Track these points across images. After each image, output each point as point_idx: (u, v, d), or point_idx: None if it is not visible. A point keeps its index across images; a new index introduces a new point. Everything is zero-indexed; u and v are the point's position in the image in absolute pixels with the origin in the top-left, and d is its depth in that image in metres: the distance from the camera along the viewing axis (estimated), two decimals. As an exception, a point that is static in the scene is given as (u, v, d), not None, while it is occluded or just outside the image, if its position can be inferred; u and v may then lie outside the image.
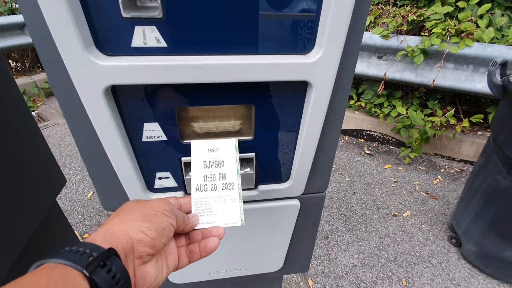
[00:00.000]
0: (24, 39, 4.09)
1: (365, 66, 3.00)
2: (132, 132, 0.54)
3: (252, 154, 0.61)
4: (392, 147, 3.22)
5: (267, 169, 0.64)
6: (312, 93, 0.52)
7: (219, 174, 0.54)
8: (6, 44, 3.84)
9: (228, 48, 0.47)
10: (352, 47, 0.51)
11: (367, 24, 3.03)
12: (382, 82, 2.88)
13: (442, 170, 2.90)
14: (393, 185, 2.67)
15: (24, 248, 0.97)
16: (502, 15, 2.58)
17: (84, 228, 2.14)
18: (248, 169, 0.63)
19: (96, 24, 0.43)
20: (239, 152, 0.58)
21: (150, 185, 0.62)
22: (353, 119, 3.36)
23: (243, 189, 0.65)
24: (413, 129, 2.90)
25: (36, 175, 1.19)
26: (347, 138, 3.38)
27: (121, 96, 0.50)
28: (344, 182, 2.69)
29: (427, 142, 2.94)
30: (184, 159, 0.59)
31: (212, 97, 0.52)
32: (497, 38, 2.57)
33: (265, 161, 0.63)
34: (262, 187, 0.66)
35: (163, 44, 0.46)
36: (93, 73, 0.44)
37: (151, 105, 0.52)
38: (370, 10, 3.15)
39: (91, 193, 2.48)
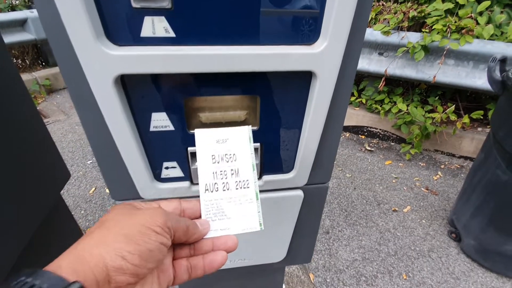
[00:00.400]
0: (24, 36, 4.10)
1: (366, 63, 3.00)
2: (140, 122, 0.55)
3: (257, 145, 0.62)
4: (393, 144, 3.23)
5: (272, 160, 0.65)
6: (316, 84, 0.53)
7: (231, 170, 0.47)
8: (7, 41, 3.84)
9: (235, 38, 0.48)
10: (356, 39, 0.52)
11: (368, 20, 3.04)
12: (383, 79, 2.89)
13: (442, 166, 2.91)
14: (393, 181, 2.69)
15: (28, 243, 0.98)
16: (501, 12, 2.59)
17: (87, 223, 2.16)
18: (253, 160, 0.64)
19: (107, 15, 0.44)
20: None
21: (157, 175, 0.63)
22: (354, 116, 3.37)
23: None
24: (414, 126, 2.92)
25: (41, 169, 1.20)
26: (347, 135, 3.39)
27: (130, 86, 0.51)
28: (344, 178, 2.70)
29: (427, 138, 2.95)
30: (190, 149, 0.60)
31: (219, 88, 0.54)
32: (496, 35, 2.58)
33: (270, 152, 0.64)
34: (266, 177, 0.67)
35: (172, 34, 0.47)
36: (103, 62, 0.45)
37: (159, 95, 0.53)
38: (371, 6, 3.15)
39: (93, 188, 2.50)
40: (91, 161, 2.89)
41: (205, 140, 0.48)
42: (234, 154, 0.48)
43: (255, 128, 0.60)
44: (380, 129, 3.31)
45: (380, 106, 3.15)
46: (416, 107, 2.92)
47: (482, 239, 1.78)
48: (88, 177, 2.65)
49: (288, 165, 0.67)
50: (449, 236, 2.08)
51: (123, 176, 0.61)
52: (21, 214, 0.98)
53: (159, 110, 0.54)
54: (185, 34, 0.47)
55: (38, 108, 3.98)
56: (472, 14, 2.59)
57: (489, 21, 2.58)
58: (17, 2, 4.47)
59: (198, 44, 0.48)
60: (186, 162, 0.62)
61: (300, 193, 0.71)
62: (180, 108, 0.55)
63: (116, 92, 0.48)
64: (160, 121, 0.56)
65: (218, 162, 0.47)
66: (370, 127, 3.35)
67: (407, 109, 2.89)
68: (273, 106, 0.57)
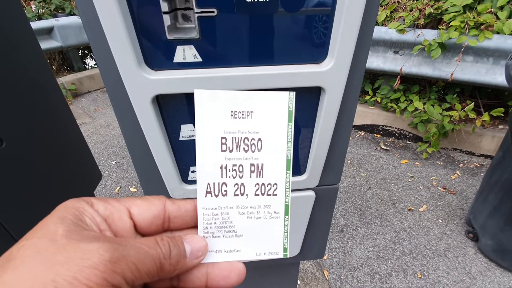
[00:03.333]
0: (51, 43, 4.36)
1: (381, 61, 2.99)
2: (171, 132, 0.64)
3: (273, 150, 0.69)
4: (409, 142, 3.20)
5: (286, 164, 0.73)
6: (325, 97, 0.59)
7: (252, 165, 0.32)
8: (37, 49, 4.11)
9: (253, 60, 0.56)
10: (360, 57, 0.58)
11: (383, 18, 3.02)
12: (398, 77, 2.87)
13: (461, 165, 2.87)
14: (409, 180, 2.68)
15: None
16: (525, 5, 2.51)
17: (114, 220, 2.31)
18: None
19: (146, 46, 0.52)
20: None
21: (185, 178, 0.72)
22: (368, 114, 3.37)
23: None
24: (431, 124, 2.88)
25: (77, 170, 1.33)
26: (362, 134, 3.39)
27: (163, 103, 0.59)
28: (359, 177, 2.72)
29: (445, 136, 2.91)
30: (213, 155, 0.69)
31: (239, 102, 0.61)
32: (519, 29, 2.50)
33: (284, 157, 0.71)
34: (281, 180, 0.74)
35: (199, 59, 0.55)
36: (143, 85, 0.54)
37: (187, 110, 0.61)
38: (386, 4, 3.13)
39: (119, 187, 2.66)
40: (115, 161, 3.07)
41: (212, 109, 0.31)
42: (259, 140, 0.31)
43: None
44: (396, 128, 3.29)
45: (396, 104, 3.13)
46: (433, 105, 2.88)
47: (500, 239, 1.77)
48: (113, 177, 2.82)
49: (301, 168, 0.74)
50: (467, 236, 2.07)
51: (156, 178, 0.71)
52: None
53: (187, 122, 0.63)
54: (210, 59, 0.55)
55: (65, 111, 4.23)
56: (492, 9, 2.53)
57: (510, 16, 2.51)
58: (42, 11, 4.74)
59: (222, 66, 0.56)
60: (210, 166, 0.71)
61: (312, 193, 0.78)
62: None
63: (153, 109, 0.57)
64: (188, 131, 0.64)
65: (231, 150, 0.31)
66: (386, 126, 3.33)
67: (424, 108, 2.86)
68: (286, 116, 0.65)
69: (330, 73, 0.56)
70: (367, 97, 3.39)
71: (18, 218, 0.92)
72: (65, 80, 4.58)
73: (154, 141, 0.62)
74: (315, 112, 0.64)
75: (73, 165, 1.30)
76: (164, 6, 0.49)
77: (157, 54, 0.53)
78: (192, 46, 0.53)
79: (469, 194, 2.49)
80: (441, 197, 2.47)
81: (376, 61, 3.01)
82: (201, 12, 0.50)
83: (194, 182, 0.73)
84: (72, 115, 1.39)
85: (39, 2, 4.71)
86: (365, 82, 3.50)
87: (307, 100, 0.62)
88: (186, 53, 0.54)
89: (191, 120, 0.63)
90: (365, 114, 3.37)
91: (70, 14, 4.69)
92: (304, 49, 0.56)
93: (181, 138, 0.65)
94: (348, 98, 0.62)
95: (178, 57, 0.54)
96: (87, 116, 4.09)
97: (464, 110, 2.74)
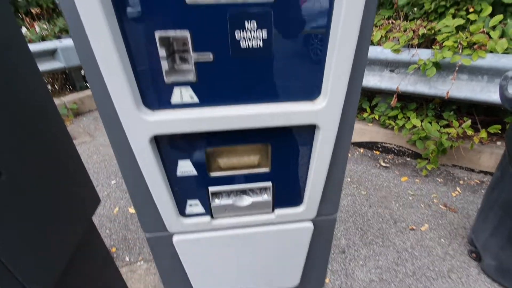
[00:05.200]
0: (54, 64, 4.45)
1: (377, 80, 3.04)
2: (169, 168, 0.64)
3: (269, 183, 0.70)
4: (408, 159, 3.21)
5: (283, 196, 0.73)
6: (320, 133, 0.61)
7: None
8: (40, 69, 4.19)
9: (248, 99, 0.57)
10: (353, 94, 0.60)
11: (378, 38, 3.09)
12: (395, 95, 2.91)
13: (461, 182, 2.86)
14: (410, 198, 2.66)
15: (62, 272, 1.08)
16: (516, 25, 2.58)
17: (112, 242, 2.28)
18: (265, 196, 0.72)
19: (145, 89, 0.54)
20: (257, 182, 0.67)
21: (182, 211, 0.72)
22: (367, 132, 3.39)
23: (261, 213, 0.73)
24: (429, 141, 2.90)
25: (74, 196, 1.33)
26: (362, 151, 3.40)
27: (161, 141, 0.60)
28: (360, 196, 2.71)
29: (444, 153, 2.92)
30: (210, 188, 0.69)
31: (235, 139, 0.62)
32: (511, 49, 2.56)
33: (281, 189, 0.72)
34: (278, 211, 0.74)
35: (196, 100, 0.56)
36: (142, 126, 0.55)
37: (184, 147, 0.62)
38: (381, 25, 3.21)
39: (117, 208, 2.64)
40: (114, 181, 3.06)
41: None
42: None
43: (267, 169, 0.68)
44: (394, 145, 3.30)
45: (394, 121, 3.16)
46: (431, 123, 2.90)
47: (502, 259, 1.74)
48: (112, 197, 2.80)
49: (297, 200, 0.74)
50: (469, 256, 2.04)
51: (154, 212, 0.71)
52: (55, 242, 1.09)
53: (185, 158, 0.64)
54: (207, 99, 0.56)
55: (66, 130, 4.25)
56: (485, 29, 2.60)
57: (502, 35, 2.58)
58: (46, 33, 4.86)
59: (217, 105, 0.57)
60: (207, 200, 0.71)
61: (310, 224, 0.78)
62: (202, 157, 0.64)
63: (151, 148, 0.58)
64: (185, 167, 0.65)
65: None
66: (385, 143, 3.34)
67: (422, 125, 2.88)
68: (283, 151, 0.65)
69: (324, 111, 0.58)
70: (365, 114, 3.43)
71: (16, 254, 0.91)
72: (67, 99, 4.64)
73: (152, 177, 0.63)
74: (310, 146, 0.65)
75: (72, 194, 1.29)
76: (162, 52, 0.51)
77: (155, 96, 0.55)
78: (189, 88, 0.55)
79: (470, 212, 2.47)
80: (442, 215, 2.45)
81: (372, 79, 3.06)
82: (198, 57, 0.52)
83: (191, 215, 0.73)
84: (73, 142, 1.39)
85: (43, 23, 4.84)
86: (363, 100, 3.54)
87: (302, 135, 0.63)
88: (183, 94, 0.55)
89: (189, 156, 0.64)
90: (363, 131, 3.40)
91: (74, 35, 4.80)
92: (297, 87, 0.58)
93: (178, 174, 0.66)
94: (343, 133, 0.63)
95: (175, 98, 0.56)
96: (88, 135, 4.11)
97: (461, 127, 2.76)
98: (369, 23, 0.52)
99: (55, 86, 4.96)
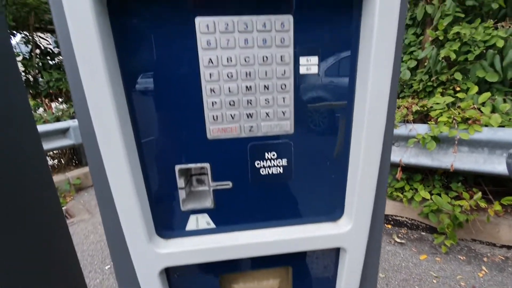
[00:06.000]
0: (65, 142, 4.61)
1: (379, 153, 3.09)
2: (178, 299, 0.57)
3: (291, 310, 0.61)
4: (424, 233, 3.02)
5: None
6: (346, 257, 0.55)
7: None
8: (50, 146, 4.33)
9: (266, 223, 0.54)
10: (378, 211, 0.57)
11: (374, 114, 3.26)
12: (399, 168, 2.91)
13: (484, 259, 2.62)
14: (434, 280, 2.41)
15: None
16: (504, 100, 2.74)
17: None
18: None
19: (159, 218, 0.51)
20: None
21: None
22: (375, 204, 3.28)
23: None
24: (442, 214, 2.77)
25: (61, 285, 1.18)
26: (372, 225, 3.23)
27: (172, 271, 0.55)
28: (378, 279, 2.45)
29: (460, 227, 2.76)
30: (224, 318, 0.60)
31: (253, 264, 0.57)
32: (505, 121, 2.66)
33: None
34: None
35: (212, 226, 0.53)
36: (153, 259, 0.50)
37: (197, 274, 0.56)
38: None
39: (109, 301, 2.37)
40: (109, 266, 2.82)
41: None
42: None
43: (288, 294, 0.61)
44: (406, 218, 3.15)
45: (402, 193, 3.08)
46: (440, 194, 2.83)
47: None
48: (104, 286, 2.54)
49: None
50: None
51: None
52: None
53: (198, 287, 0.57)
54: (224, 224, 0.53)
55: (65, 207, 4.15)
56: (475, 105, 2.75)
57: (493, 110, 2.71)
58: (60, 113, 5.17)
59: (236, 230, 0.53)
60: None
61: None
62: (216, 283, 0.57)
63: (160, 281, 0.52)
64: (197, 297, 0.58)
65: None
66: (395, 216, 3.20)
67: (431, 198, 2.80)
68: (305, 274, 0.59)
69: (350, 233, 0.54)
70: (371, 186, 3.37)
71: None
72: (71, 175, 4.65)
73: (159, 313, 0.55)
74: (335, 268, 0.59)
75: (57, 281, 1.15)
76: (181, 183, 0.50)
77: (170, 224, 0.52)
78: (205, 215, 0.52)
79: (504, 297, 2.20)
80: (474, 302, 2.17)
81: (374, 152, 3.11)
82: (217, 185, 0.50)
83: None
84: (68, 229, 1.32)
85: (61, 104, 5.20)
86: (367, 171, 3.54)
87: (326, 256, 0.58)
88: (199, 221, 0.52)
89: (202, 285, 0.57)
90: (371, 204, 3.29)
91: (86, 115, 5.10)
92: (318, 208, 0.55)
93: (188, 304, 0.58)
94: (371, 254, 0.58)
95: (190, 225, 0.53)
96: (87, 212, 3.99)
97: (473, 199, 2.68)
98: (388, 149, 0.52)
99: (62, 161, 5.04)
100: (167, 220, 0.51)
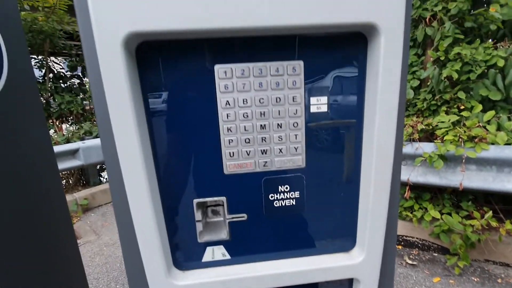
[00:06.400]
0: (74, 163, 4.68)
1: (386, 171, 3.07)
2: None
3: None
4: (436, 254, 2.94)
5: None
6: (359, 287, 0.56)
7: None
8: (60, 167, 4.40)
9: (281, 254, 0.56)
10: (391, 241, 0.58)
11: (379, 133, 3.27)
12: (407, 187, 2.89)
13: (499, 281, 2.53)
14: (448, 305, 2.32)
15: None
16: (509, 118, 2.74)
17: None
18: None
19: (177, 249, 0.53)
20: None
21: None
22: (384, 224, 3.22)
23: None
24: (454, 234, 2.71)
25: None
26: (382, 245, 3.16)
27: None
28: (390, 304, 2.37)
29: (473, 247, 2.69)
30: None
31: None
32: (511, 139, 2.65)
33: None
34: None
35: (228, 257, 0.55)
36: (171, 291, 0.52)
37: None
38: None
39: (115, 327, 2.32)
40: (115, 289, 2.79)
41: None
42: None
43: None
44: (417, 238, 3.08)
45: (411, 213, 3.04)
46: (450, 214, 2.78)
47: None
48: (111, 311, 2.50)
49: None
50: None
51: None
52: None
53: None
54: (239, 255, 0.55)
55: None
56: (480, 123, 2.76)
57: (499, 127, 2.71)
58: (70, 135, 5.29)
59: (251, 261, 0.55)
60: None
61: None
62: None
63: (178, 313, 0.53)
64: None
65: None
66: (406, 236, 3.13)
67: (442, 217, 2.76)
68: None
69: (363, 264, 0.55)
70: (379, 205, 3.33)
71: None
72: (79, 195, 4.69)
73: None
74: (349, 297, 0.59)
75: None
76: (198, 216, 0.52)
77: (187, 256, 0.54)
78: (221, 246, 0.54)
79: (525, 324, 2.10)
80: (493, 329, 2.08)
81: (381, 171, 3.09)
82: (232, 218, 0.53)
83: None
84: (79, 254, 1.33)
85: (71, 126, 5.33)
86: (374, 190, 3.51)
87: (340, 286, 0.59)
88: (215, 252, 0.54)
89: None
90: (380, 224, 3.23)
91: (96, 136, 5.21)
92: (331, 239, 0.56)
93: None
94: (384, 284, 0.58)
95: (207, 257, 0.54)
96: (93, 233, 3.98)
97: (485, 219, 2.62)
98: (397, 177, 0.55)
99: (70, 181, 5.10)
100: (184, 252, 0.53)
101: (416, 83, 3.29)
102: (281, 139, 0.50)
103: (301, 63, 0.47)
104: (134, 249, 0.52)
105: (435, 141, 2.80)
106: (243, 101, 0.48)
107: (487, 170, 2.69)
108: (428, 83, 3.21)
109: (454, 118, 2.80)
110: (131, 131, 0.44)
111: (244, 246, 0.54)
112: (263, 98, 0.48)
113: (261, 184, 0.51)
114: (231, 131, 0.49)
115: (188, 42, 0.45)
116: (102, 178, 5.57)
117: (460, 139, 2.68)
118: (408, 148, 2.94)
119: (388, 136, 0.49)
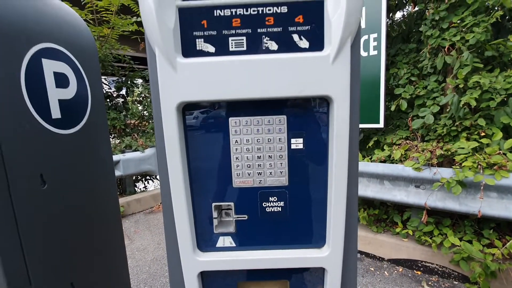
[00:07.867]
0: (115, 173, 5.23)
1: (404, 195, 3.13)
2: (209, 297, 0.83)
3: (289, 316, 0.83)
4: (456, 283, 2.89)
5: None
6: (327, 276, 0.78)
7: None
8: (101, 178, 4.93)
9: (272, 245, 0.79)
10: (351, 240, 0.79)
11: (398, 157, 3.35)
12: (425, 212, 2.92)
13: (526, 316, 2.44)
14: (465, 334, 2.29)
15: None
16: (532, 146, 2.71)
17: None
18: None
19: (200, 237, 0.79)
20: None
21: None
22: (403, 248, 3.23)
23: None
24: (474, 262, 2.68)
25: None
26: (401, 270, 3.16)
27: (206, 278, 0.81)
28: (402, 327, 2.39)
29: (494, 277, 2.63)
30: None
31: (262, 275, 0.81)
32: (535, 168, 2.62)
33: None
34: None
35: (234, 245, 0.80)
36: (194, 264, 0.77)
37: (223, 280, 0.82)
38: (399, 144, 3.53)
39: (143, 322, 2.58)
40: (145, 290, 3.09)
41: None
42: None
43: (287, 302, 0.83)
44: (437, 265, 3.05)
45: (430, 238, 3.03)
46: (471, 241, 2.76)
47: None
48: (140, 309, 2.78)
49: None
50: None
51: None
52: None
53: (222, 289, 0.82)
54: (242, 244, 0.79)
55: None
56: (501, 151, 2.76)
57: (521, 156, 2.69)
58: (113, 148, 5.91)
59: (249, 249, 0.79)
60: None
61: None
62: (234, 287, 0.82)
63: (197, 282, 0.78)
64: (222, 296, 0.82)
65: None
66: (425, 262, 3.11)
67: (460, 244, 2.74)
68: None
69: (329, 257, 0.77)
70: (398, 229, 3.35)
71: None
72: (116, 203, 5.19)
73: (195, 305, 0.80)
74: (322, 285, 0.81)
75: None
76: (215, 214, 0.78)
77: (206, 241, 0.80)
78: (229, 237, 0.79)
79: None
80: None
81: (399, 194, 3.16)
82: (237, 217, 0.78)
83: None
84: (126, 261, 1.62)
85: (113, 139, 5.97)
86: (393, 213, 3.53)
87: (314, 275, 0.80)
88: (225, 241, 0.80)
89: (225, 288, 0.82)
90: (399, 247, 3.24)
91: (135, 150, 5.78)
92: (307, 238, 0.79)
93: (215, 302, 0.83)
94: (347, 274, 0.79)
95: (219, 243, 0.80)
96: (127, 238, 4.38)
97: (505, 247, 2.58)
98: (354, 192, 0.77)
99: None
100: (204, 239, 0.79)
101: (436, 108, 3.36)
102: (271, 165, 0.75)
103: (285, 117, 0.73)
104: (173, 234, 0.79)
105: (453, 167, 2.84)
106: (246, 140, 0.74)
107: (508, 198, 2.67)
108: (448, 110, 3.27)
109: (474, 144, 2.83)
110: (176, 156, 0.72)
111: (245, 238, 0.79)
112: (259, 139, 0.74)
113: (258, 195, 0.76)
114: (238, 159, 0.75)
115: (214, 103, 0.73)
116: (137, 188, 6.08)
117: (479, 166, 2.71)
118: (426, 173, 3.00)
119: (342, 164, 0.72)
